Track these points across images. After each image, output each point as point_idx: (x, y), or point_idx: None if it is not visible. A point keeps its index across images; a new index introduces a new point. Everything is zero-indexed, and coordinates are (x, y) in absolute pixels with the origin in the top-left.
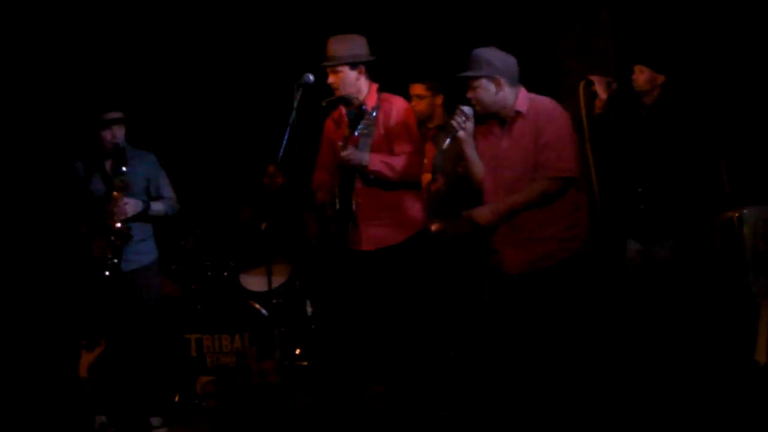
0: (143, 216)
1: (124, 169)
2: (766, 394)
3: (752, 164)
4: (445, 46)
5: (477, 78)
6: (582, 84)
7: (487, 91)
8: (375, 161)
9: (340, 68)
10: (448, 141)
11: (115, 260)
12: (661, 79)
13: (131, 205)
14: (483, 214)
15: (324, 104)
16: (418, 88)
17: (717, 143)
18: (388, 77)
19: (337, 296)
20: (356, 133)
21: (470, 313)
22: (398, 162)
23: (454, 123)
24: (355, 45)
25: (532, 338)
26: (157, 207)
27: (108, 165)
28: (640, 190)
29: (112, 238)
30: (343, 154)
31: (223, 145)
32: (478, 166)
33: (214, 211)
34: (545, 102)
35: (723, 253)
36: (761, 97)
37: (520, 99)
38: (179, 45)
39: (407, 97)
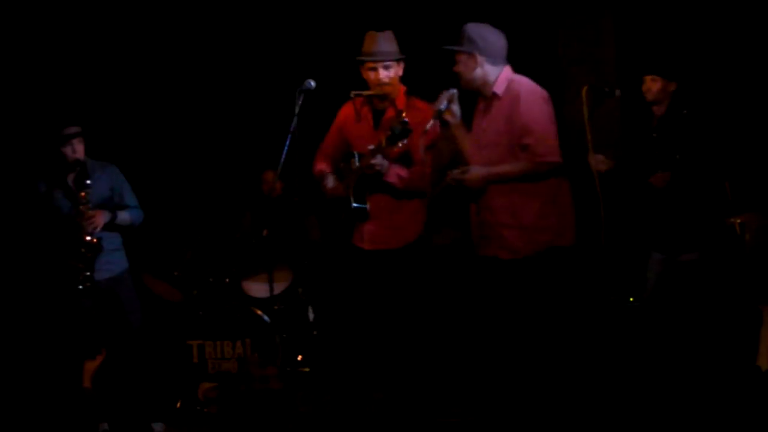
0: (111, 225)
1: (88, 182)
2: None
3: (754, 171)
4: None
5: (458, 53)
6: (584, 90)
7: (466, 66)
8: (391, 173)
9: (390, 63)
10: (430, 123)
11: (87, 273)
12: (672, 87)
13: (100, 217)
14: (477, 173)
15: (352, 96)
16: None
17: (721, 150)
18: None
19: (339, 293)
20: (395, 147)
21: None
22: (410, 175)
23: (439, 106)
24: (395, 41)
25: (503, 329)
26: (123, 216)
27: (70, 180)
28: (663, 201)
29: (83, 250)
30: (374, 161)
31: (224, 151)
32: (467, 145)
33: (215, 218)
34: (523, 84)
35: (726, 259)
36: (763, 104)
37: (499, 80)
38: (179, 53)
39: None
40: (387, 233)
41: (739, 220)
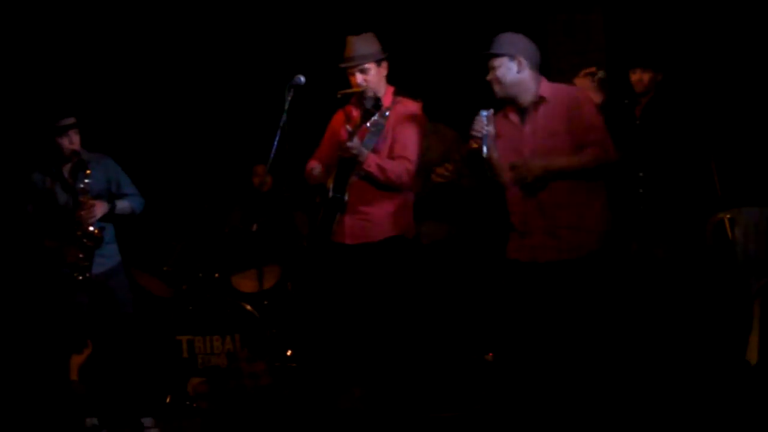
0: (110, 216)
1: (87, 171)
2: (758, 394)
3: (743, 166)
4: (437, 50)
5: (498, 56)
6: None
7: (509, 70)
8: (370, 162)
9: (367, 66)
10: (485, 151)
11: (87, 263)
12: (659, 77)
13: (99, 207)
14: (535, 166)
15: (339, 96)
16: None
17: (708, 144)
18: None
19: (321, 289)
20: (368, 124)
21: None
22: (392, 167)
23: (475, 133)
24: (375, 42)
25: (547, 330)
26: (123, 205)
27: (66, 171)
28: (641, 191)
29: (84, 240)
30: (348, 144)
31: (214, 146)
32: (503, 168)
33: (205, 213)
34: (569, 88)
35: (714, 253)
36: (753, 99)
37: (544, 85)
38: (171, 48)
39: None
40: (366, 226)
41: (728, 216)
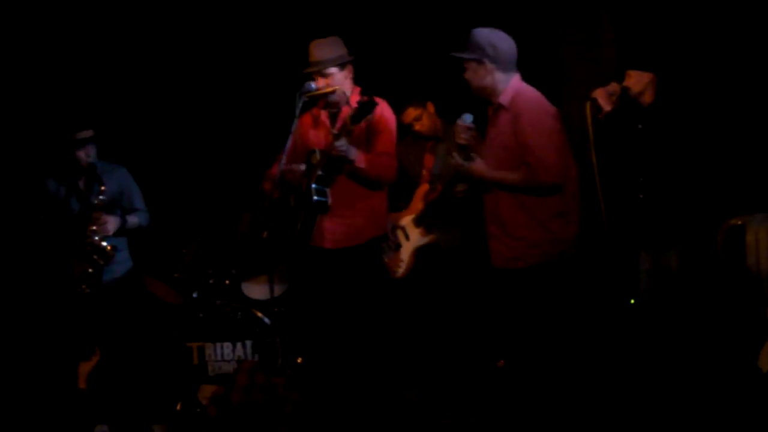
0: (121, 231)
1: (103, 188)
2: None
3: (755, 171)
4: (442, 56)
5: (466, 60)
6: (588, 104)
7: (476, 73)
8: (361, 158)
9: (330, 70)
10: (471, 157)
11: (95, 278)
12: (647, 77)
13: (112, 223)
14: (479, 167)
15: (306, 98)
16: (411, 112)
17: (720, 149)
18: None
19: (310, 296)
20: (360, 123)
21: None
22: (379, 162)
23: (461, 141)
24: (338, 46)
25: (507, 333)
26: (133, 220)
27: (81, 183)
28: (641, 196)
29: (95, 256)
30: (338, 144)
31: (224, 152)
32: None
33: (215, 220)
34: (527, 98)
35: (726, 260)
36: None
37: (506, 91)
38: (182, 55)
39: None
40: (347, 230)
41: (739, 222)
